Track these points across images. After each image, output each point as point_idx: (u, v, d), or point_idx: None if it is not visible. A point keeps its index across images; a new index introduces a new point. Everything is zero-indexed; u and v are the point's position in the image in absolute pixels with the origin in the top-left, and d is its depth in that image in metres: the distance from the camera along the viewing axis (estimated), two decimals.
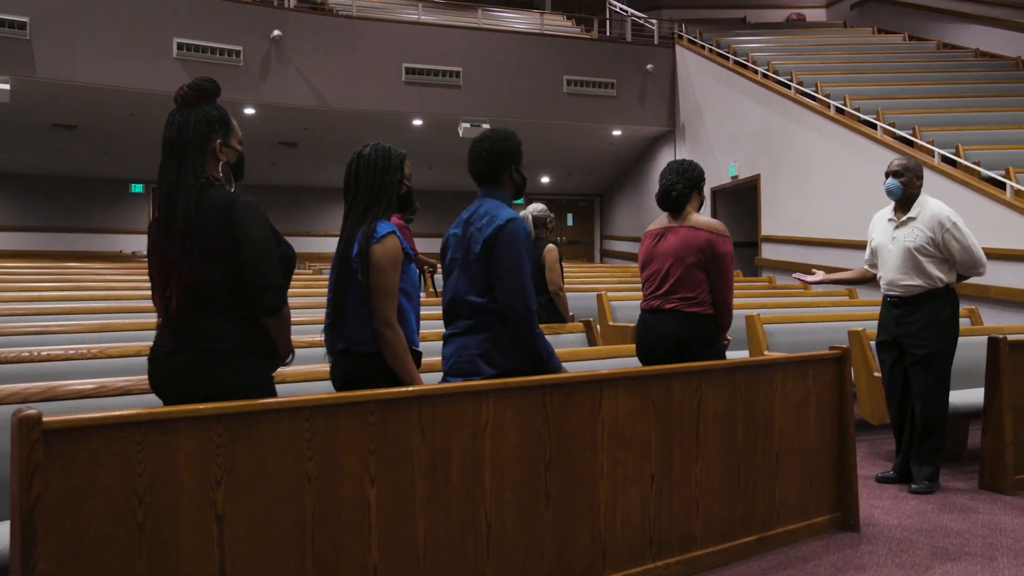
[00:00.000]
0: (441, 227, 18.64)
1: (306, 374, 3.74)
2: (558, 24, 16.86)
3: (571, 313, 6.40)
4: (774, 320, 6.44)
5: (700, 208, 4.16)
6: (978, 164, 8.72)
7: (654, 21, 15.90)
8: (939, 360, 4.57)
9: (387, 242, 2.96)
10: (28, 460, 2.07)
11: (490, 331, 3.23)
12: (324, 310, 5.67)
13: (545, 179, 19.26)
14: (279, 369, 2.83)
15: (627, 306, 7.56)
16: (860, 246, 5.01)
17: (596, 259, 18.80)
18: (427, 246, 17.36)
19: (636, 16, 15.85)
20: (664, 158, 15.41)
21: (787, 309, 7.45)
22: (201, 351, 2.54)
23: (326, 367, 3.84)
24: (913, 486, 4.66)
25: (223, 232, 2.56)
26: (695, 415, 3.52)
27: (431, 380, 3.15)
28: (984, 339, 4.81)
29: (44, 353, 3.77)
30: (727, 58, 13.73)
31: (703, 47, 14.51)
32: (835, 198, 10.68)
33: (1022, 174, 8.25)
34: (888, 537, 3.94)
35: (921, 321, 4.58)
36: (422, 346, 3.21)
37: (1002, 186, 8.19)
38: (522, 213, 5.82)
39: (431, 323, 4.80)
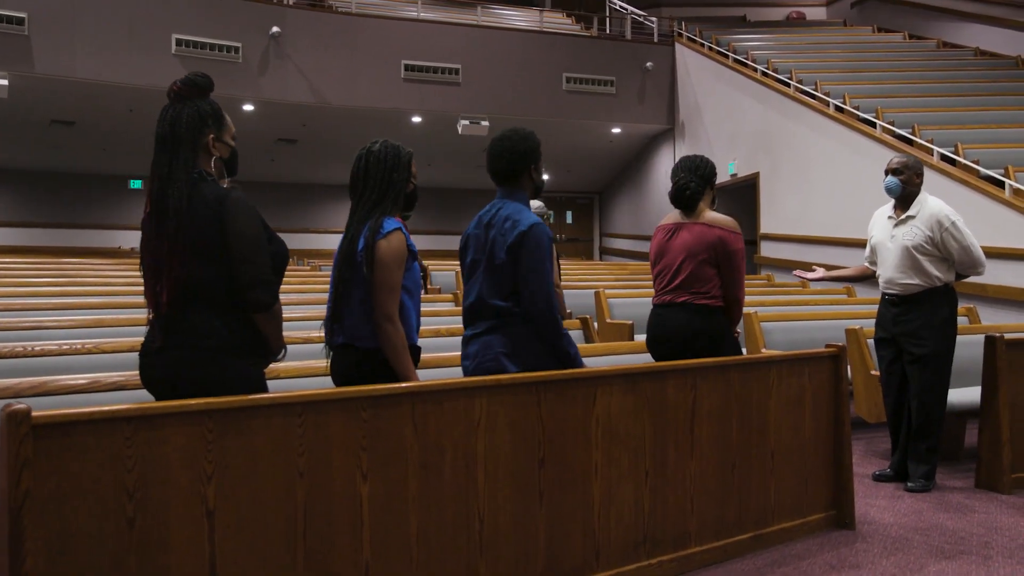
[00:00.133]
0: (439, 225, 18.70)
1: (300, 370, 3.73)
2: (558, 22, 16.84)
3: (568, 310, 6.40)
4: (772, 318, 6.43)
5: (713, 202, 4.15)
6: (977, 163, 8.71)
7: (654, 19, 15.88)
8: (937, 359, 4.56)
9: (393, 238, 2.97)
10: (16, 455, 2.06)
11: (514, 329, 3.25)
12: (321, 306, 5.67)
13: (544, 176, 19.21)
14: (272, 365, 2.83)
15: (625, 303, 7.55)
16: (859, 244, 5.01)
17: (595, 257, 18.79)
18: (425, 243, 17.38)
19: (636, 14, 15.83)
20: (664, 156, 15.40)
21: (785, 307, 7.44)
22: (191, 347, 2.53)
23: (320, 363, 3.83)
24: (909, 484, 4.65)
25: (214, 228, 2.55)
26: (690, 412, 3.51)
27: (429, 376, 3.14)
28: (981, 338, 4.80)
29: (37, 348, 3.76)
30: (727, 56, 13.71)
31: (703, 45, 14.49)
32: (834, 196, 10.67)
33: (1021, 173, 8.24)
34: (884, 535, 3.93)
35: (919, 320, 4.57)
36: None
37: (1001, 185, 8.18)
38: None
39: (425, 319, 4.77)
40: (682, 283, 3.96)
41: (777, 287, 9.79)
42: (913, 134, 9.80)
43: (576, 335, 5.54)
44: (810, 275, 5.01)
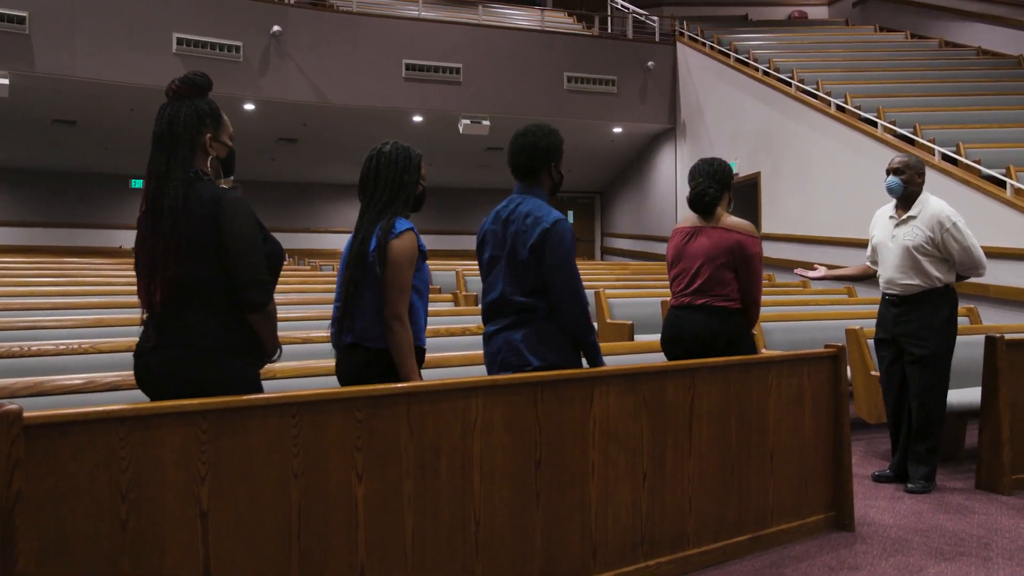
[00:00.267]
0: (440, 224, 18.69)
1: (297, 370, 3.71)
2: (559, 21, 16.82)
3: None
4: (772, 318, 6.42)
5: (729, 205, 4.18)
6: (979, 163, 8.69)
7: (655, 18, 15.86)
8: (936, 360, 4.54)
9: (405, 238, 3.00)
10: (8, 456, 2.05)
11: (536, 325, 3.26)
12: (320, 306, 5.66)
13: None
14: (269, 365, 2.81)
15: (625, 303, 7.54)
16: (860, 244, 4.99)
17: (596, 256, 18.78)
18: (426, 243, 17.33)
19: (637, 13, 15.81)
20: (665, 156, 15.38)
21: (785, 307, 7.43)
22: (186, 346, 2.52)
23: (317, 363, 3.83)
24: (909, 485, 4.64)
25: (209, 227, 2.54)
26: (688, 413, 3.49)
27: (428, 376, 3.13)
28: (982, 338, 4.79)
29: (34, 348, 3.75)
30: (728, 55, 13.69)
31: (704, 44, 14.48)
32: (835, 196, 10.65)
33: (1023, 173, 8.21)
34: (883, 537, 3.91)
35: (919, 320, 4.55)
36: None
37: (1003, 185, 8.16)
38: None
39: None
40: (701, 286, 3.99)
41: (778, 287, 9.77)
42: (915, 134, 9.78)
43: None
44: (811, 273, 4.99)
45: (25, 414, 2.07)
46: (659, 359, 4.74)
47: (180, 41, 11.71)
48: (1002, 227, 7.82)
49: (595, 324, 3.38)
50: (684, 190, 15.08)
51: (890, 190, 4.70)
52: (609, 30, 16.40)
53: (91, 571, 2.17)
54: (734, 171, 12.91)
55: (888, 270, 4.69)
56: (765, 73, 12.76)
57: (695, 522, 3.50)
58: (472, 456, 2.86)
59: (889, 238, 4.71)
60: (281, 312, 4.59)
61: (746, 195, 12.95)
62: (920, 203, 4.65)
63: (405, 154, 3.12)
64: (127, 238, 16.08)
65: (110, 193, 17.04)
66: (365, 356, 3.01)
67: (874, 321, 4.90)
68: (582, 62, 14.24)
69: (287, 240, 17.21)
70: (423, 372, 3.12)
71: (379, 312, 2.98)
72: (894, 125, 10.11)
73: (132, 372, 3.24)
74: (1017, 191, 7.98)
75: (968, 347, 5.16)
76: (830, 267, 5.32)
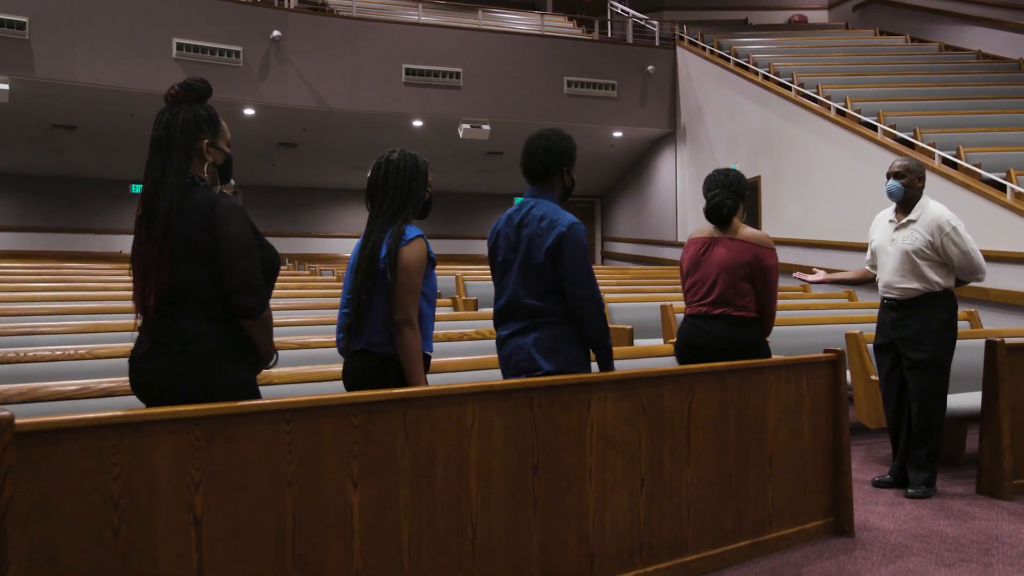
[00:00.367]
0: (440, 229, 18.67)
1: (293, 376, 3.69)
2: (559, 25, 16.83)
3: None
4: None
5: (744, 214, 4.25)
6: (979, 166, 8.68)
7: (655, 22, 15.87)
8: (935, 364, 4.52)
9: (415, 244, 3.04)
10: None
11: (548, 329, 3.27)
12: (319, 311, 5.64)
13: None
14: (264, 371, 2.80)
15: (624, 308, 7.52)
16: (860, 248, 4.98)
17: (597, 261, 18.76)
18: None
19: (637, 17, 15.83)
20: (665, 160, 15.38)
21: (785, 311, 7.39)
22: (181, 352, 2.50)
23: (313, 369, 3.82)
24: (909, 491, 4.61)
25: (203, 233, 2.53)
26: (686, 418, 3.47)
27: (429, 381, 3.11)
28: (982, 342, 4.76)
29: (30, 354, 3.74)
30: (728, 59, 13.70)
31: (704, 48, 14.48)
32: (835, 200, 10.64)
33: (1023, 176, 8.19)
34: (883, 543, 3.89)
35: (917, 325, 4.53)
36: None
37: (1003, 188, 8.15)
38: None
39: None
40: (718, 297, 4.04)
41: (778, 291, 9.72)
42: (915, 137, 9.77)
43: None
44: (810, 277, 4.97)
45: (16, 421, 2.06)
46: (659, 364, 4.74)
47: (180, 46, 11.73)
48: (1002, 231, 7.81)
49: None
50: (684, 194, 15.15)
51: (890, 194, 4.68)
52: (609, 34, 16.40)
53: None
54: None
55: (887, 274, 4.67)
56: (765, 77, 12.76)
57: (693, 528, 3.48)
58: (469, 462, 2.84)
59: (888, 242, 4.69)
60: (279, 317, 4.59)
61: (746, 199, 12.93)
62: (920, 207, 4.63)
63: (413, 161, 3.17)
64: (127, 243, 16.01)
65: (110, 198, 17.03)
66: (374, 362, 3.02)
67: (875, 325, 4.88)
68: (582, 66, 14.25)
69: (287, 245, 17.29)
70: (431, 376, 3.12)
71: (389, 319, 3.00)
72: (894, 129, 10.10)
73: (127, 378, 3.24)
74: (1017, 195, 7.96)
75: (968, 351, 5.13)
76: (829, 271, 5.30)
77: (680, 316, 6.69)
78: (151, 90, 11.31)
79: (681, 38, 15.08)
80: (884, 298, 4.73)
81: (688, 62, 14.58)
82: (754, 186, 12.48)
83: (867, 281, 5.01)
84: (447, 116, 13.51)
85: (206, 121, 2.65)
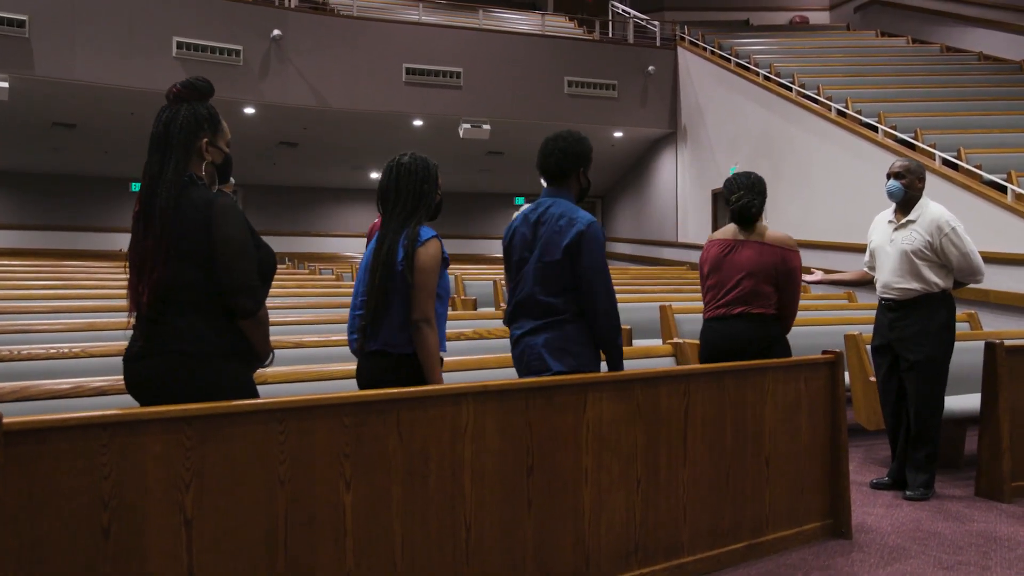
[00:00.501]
0: (441, 229, 18.57)
1: (288, 375, 3.67)
2: (559, 25, 16.81)
3: None
4: None
5: (764, 216, 4.33)
6: (980, 168, 8.65)
7: (656, 23, 15.85)
8: (933, 366, 4.50)
9: (431, 245, 3.09)
10: None
11: (560, 329, 3.29)
12: (317, 311, 5.62)
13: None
14: (260, 370, 2.78)
15: (623, 308, 7.44)
16: (861, 249, 4.96)
17: None
18: None
19: (638, 18, 15.80)
20: (665, 160, 15.35)
21: None
22: (178, 352, 2.48)
23: (308, 368, 3.80)
24: (908, 493, 4.59)
25: (199, 232, 2.51)
26: (683, 419, 3.46)
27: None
28: (982, 344, 4.74)
29: (24, 352, 3.72)
30: (729, 60, 13.68)
31: (705, 49, 14.46)
32: (836, 201, 10.62)
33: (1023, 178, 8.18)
34: (881, 545, 3.87)
35: (915, 326, 4.51)
36: None
37: (1003, 190, 8.12)
38: (516, 215, 5.76)
39: None
40: (738, 297, 4.12)
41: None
42: (915, 139, 9.74)
43: None
44: (809, 278, 4.95)
45: (4, 420, 2.04)
46: (657, 364, 4.72)
47: (180, 45, 11.71)
48: (1003, 232, 7.78)
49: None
50: (685, 195, 15.11)
51: (890, 194, 4.66)
52: (610, 35, 16.38)
53: None
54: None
55: (885, 274, 4.65)
56: (766, 78, 12.74)
57: (690, 530, 3.46)
58: (463, 462, 2.83)
59: (887, 242, 4.67)
60: (275, 316, 4.57)
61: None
62: (920, 208, 4.61)
63: (424, 164, 3.21)
64: (126, 242, 15.99)
65: (110, 196, 17.03)
66: (390, 362, 3.05)
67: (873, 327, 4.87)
68: (583, 66, 14.23)
69: (287, 244, 17.28)
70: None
71: (406, 319, 3.03)
72: (895, 130, 10.07)
73: (120, 377, 3.22)
74: (1018, 196, 7.94)
75: (968, 353, 5.12)
76: (828, 272, 5.28)
77: (680, 317, 6.73)
78: (151, 88, 11.30)
79: (682, 38, 15.05)
80: (882, 299, 4.71)
81: (689, 63, 14.56)
82: None
83: (866, 282, 4.99)
84: (448, 116, 13.49)
85: (206, 120, 2.64)
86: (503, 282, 7.22)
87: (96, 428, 2.19)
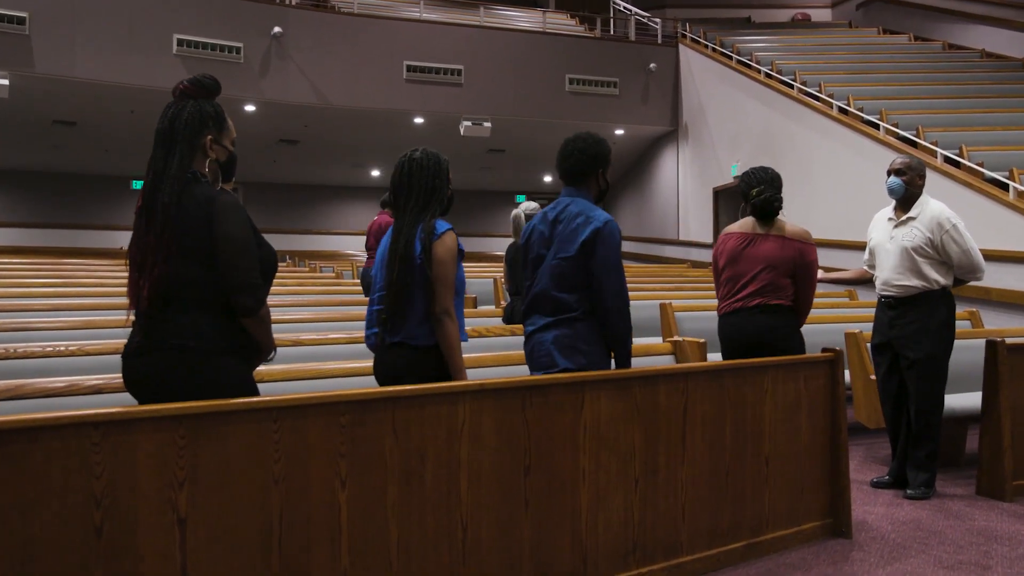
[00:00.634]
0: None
1: (285, 373, 3.65)
2: (561, 22, 16.78)
3: None
4: None
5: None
6: (982, 165, 8.62)
7: (657, 20, 15.82)
8: (932, 364, 4.47)
9: (446, 238, 3.13)
10: None
11: (570, 327, 3.33)
12: (314, 308, 5.58)
13: (547, 178, 19.17)
14: (257, 368, 2.77)
15: None
16: (862, 247, 4.94)
17: None
18: None
19: (639, 15, 15.77)
20: (667, 158, 15.33)
21: None
22: (179, 348, 2.47)
23: (306, 367, 3.79)
24: (908, 491, 4.57)
25: (201, 228, 2.50)
26: (681, 418, 3.44)
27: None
28: (983, 342, 4.72)
29: (20, 350, 3.70)
30: (730, 57, 13.65)
31: (706, 46, 14.43)
32: (837, 199, 10.59)
33: None
34: (881, 544, 3.85)
35: (915, 324, 4.49)
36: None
37: (1005, 187, 8.09)
38: (515, 212, 5.75)
39: None
40: (757, 289, 4.19)
41: None
42: (917, 136, 9.71)
43: None
44: None
45: None
46: (657, 362, 4.69)
47: (180, 42, 11.69)
48: (1004, 230, 7.76)
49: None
50: (686, 192, 15.06)
51: (891, 191, 4.64)
52: (611, 32, 16.36)
53: None
54: (735, 174, 12.92)
55: (885, 271, 4.63)
56: (767, 75, 12.71)
57: (689, 529, 3.44)
58: (459, 462, 2.81)
59: (888, 239, 4.65)
60: (274, 314, 4.54)
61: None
62: (920, 205, 4.59)
63: (435, 160, 3.25)
64: (127, 239, 15.99)
65: (110, 194, 17.03)
66: (412, 355, 3.08)
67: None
68: (584, 64, 14.20)
69: (288, 241, 17.26)
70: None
71: (426, 312, 3.08)
72: (897, 128, 10.05)
73: (115, 375, 3.21)
74: (1020, 194, 7.91)
75: (969, 351, 5.10)
76: (828, 270, 5.26)
77: (680, 315, 6.71)
78: (151, 86, 11.30)
79: (683, 36, 15.02)
80: (882, 296, 4.69)
81: (690, 60, 14.53)
82: None
83: (865, 281, 4.97)
84: (448, 113, 13.47)
85: (212, 117, 2.64)
86: (503, 280, 7.20)
87: (88, 427, 2.17)
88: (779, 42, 15.90)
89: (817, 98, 11.51)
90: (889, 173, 4.66)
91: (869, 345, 5.04)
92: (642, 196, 16.54)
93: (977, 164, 8.66)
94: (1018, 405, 4.64)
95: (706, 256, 13.92)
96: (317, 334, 4.65)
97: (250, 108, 12.78)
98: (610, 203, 18.58)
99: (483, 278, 9.15)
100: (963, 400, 4.99)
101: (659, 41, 15.23)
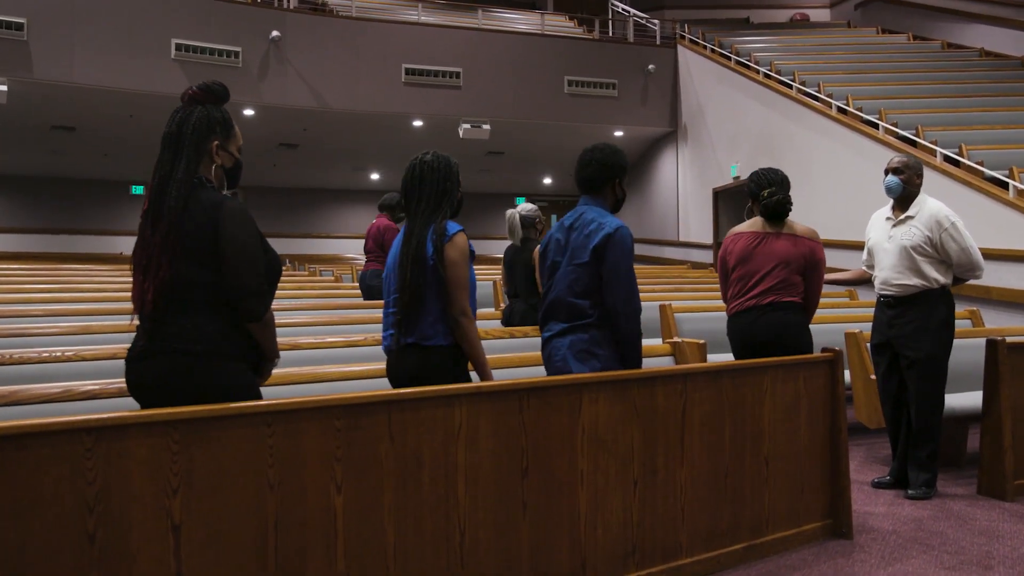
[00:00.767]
0: None
1: (281, 377, 3.63)
2: (559, 24, 16.78)
3: None
4: None
5: None
6: (981, 164, 8.60)
7: (656, 21, 15.81)
8: (932, 363, 4.46)
9: (458, 240, 3.17)
10: None
11: (585, 332, 3.39)
12: (312, 312, 5.58)
13: (547, 180, 19.18)
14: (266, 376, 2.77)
15: None
16: (862, 247, 4.93)
17: None
18: None
19: (638, 16, 15.76)
20: (666, 159, 15.31)
21: None
22: (183, 353, 2.46)
23: (303, 371, 3.77)
24: (909, 492, 4.55)
25: (207, 233, 2.50)
26: (680, 419, 3.42)
27: None
28: (984, 341, 4.70)
29: (16, 356, 3.68)
30: (729, 58, 13.63)
31: (705, 47, 14.42)
32: (837, 199, 10.58)
33: None
34: (882, 544, 3.83)
35: (914, 323, 4.48)
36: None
37: (1005, 186, 8.08)
38: (510, 212, 5.72)
39: None
40: (771, 287, 4.21)
41: None
42: (917, 135, 9.70)
43: None
44: None
45: None
46: (656, 363, 4.68)
47: (179, 47, 11.69)
48: (1004, 229, 7.74)
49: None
50: (686, 193, 15.03)
51: (889, 190, 4.63)
52: (610, 33, 16.35)
53: None
54: (734, 174, 12.92)
55: (884, 271, 4.61)
56: (766, 76, 12.70)
57: (688, 531, 3.43)
58: (456, 465, 2.79)
59: (886, 239, 4.64)
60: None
61: (747, 198, 12.86)
62: (918, 203, 4.58)
63: (446, 162, 3.33)
64: (127, 244, 16.06)
65: (110, 199, 17.04)
66: (427, 355, 3.11)
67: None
68: (583, 66, 14.19)
69: (288, 245, 17.27)
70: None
71: (440, 312, 3.11)
72: (896, 127, 10.04)
73: (110, 380, 3.20)
74: (1020, 192, 7.89)
75: (969, 350, 5.08)
76: (828, 270, 5.23)
77: (679, 316, 6.69)
78: (150, 91, 11.31)
79: (682, 37, 15.02)
80: (881, 295, 4.68)
81: (689, 61, 14.52)
82: None
83: (864, 281, 4.96)
84: (447, 116, 13.47)
85: (219, 123, 2.65)
86: (501, 283, 7.19)
87: (80, 433, 2.15)
88: (778, 42, 15.90)
89: (816, 98, 11.50)
90: (886, 172, 4.66)
91: (869, 345, 5.03)
92: (642, 197, 16.53)
93: (977, 163, 8.65)
94: (1019, 404, 4.62)
95: (706, 257, 13.90)
96: (314, 338, 4.64)
97: (249, 112, 12.77)
98: None
99: (482, 280, 9.11)
100: (964, 400, 4.97)
101: (658, 42, 15.22)
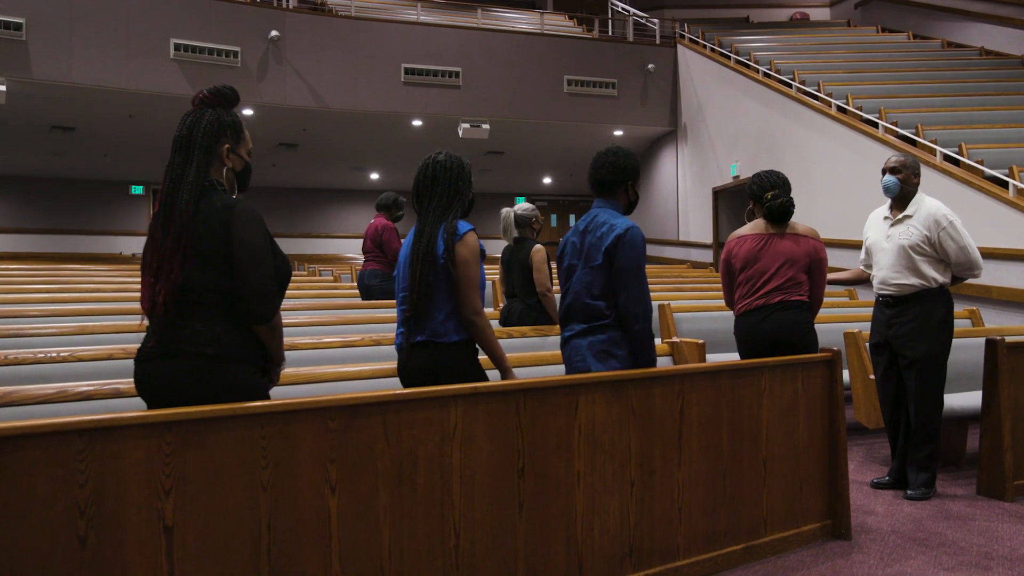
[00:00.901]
0: None
1: (284, 377, 3.61)
2: (559, 24, 16.76)
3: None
4: None
5: None
6: (981, 163, 8.59)
7: (656, 21, 15.79)
8: (931, 363, 4.44)
9: (468, 239, 3.19)
10: None
11: (604, 332, 3.45)
12: (311, 312, 5.56)
13: (547, 180, 19.16)
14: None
15: None
16: (861, 246, 4.91)
17: None
18: None
19: (638, 16, 15.74)
20: (666, 158, 15.30)
21: None
22: (193, 355, 2.46)
23: (300, 371, 3.76)
24: (909, 492, 4.54)
25: (218, 235, 2.51)
26: (677, 420, 3.40)
27: None
28: (983, 340, 4.69)
29: (11, 356, 3.67)
30: (729, 57, 13.61)
31: (705, 46, 14.40)
32: (837, 198, 10.56)
33: None
34: (881, 545, 3.82)
35: (912, 322, 4.46)
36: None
37: (1005, 185, 8.06)
38: (505, 210, 5.70)
39: None
40: (779, 286, 4.29)
41: None
42: (916, 134, 9.68)
43: None
44: None
45: None
46: None
47: (178, 47, 11.67)
48: (1004, 228, 7.72)
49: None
50: (686, 193, 15.03)
51: (886, 189, 4.62)
52: (609, 33, 16.33)
53: None
54: (734, 174, 12.90)
55: (883, 270, 4.60)
56: (766, 75, 12.68)
57: (685, 532, 3.41)
58: (452, 466, 2.78)
59: (884, 238, 4.63)
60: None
61: (747, 198, 12.84)
62: (916, 203, 4.57)
63: (458, 163, 3.33)
64: (127, 244, 16.08)
65: (109, 199, 17.03)
66: (436, 353, 3.14)
67: None
68: (582, 65, 14.17)
69: (288, 245, 17.26)
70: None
71: (451, 310, 3.15)
72: (896, 126, 10.02)
73: (107, 381, 3.19)
74: (1020, 192, 7.87)
75: (969, 350, 5.06)
76: (828, 270, 5.22)
77: (679, 316, 6.68)
78: (149, 91, 11.30)
79: (682, 36, 14.99)
80: (879, 295, 4.66)
81: (689, 60, 14.50)
82: None
83: (863, 281, 4.95)
84: (447, 115, 13.45)
85: (229, 127, 2.66)
86: (500, 282, 7.17)
87: (72, 435, 2.14)
88: (777, 41, 15.87)
89: (816, 97, 11.48)
90: (884, 171, 4.64)
91: (867, 345, 5.01)
92: (641, 197, 16.41)
93: (976, 162, 8.63)
94: (1018, 404, 4.61)
95: (706, 256, 13.88)
96: (312, 338, 4.62)
97: (248, 112, 12.75)
98: None
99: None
100: (963, 399, 4.96)
101: (657, 42, 15.20)
